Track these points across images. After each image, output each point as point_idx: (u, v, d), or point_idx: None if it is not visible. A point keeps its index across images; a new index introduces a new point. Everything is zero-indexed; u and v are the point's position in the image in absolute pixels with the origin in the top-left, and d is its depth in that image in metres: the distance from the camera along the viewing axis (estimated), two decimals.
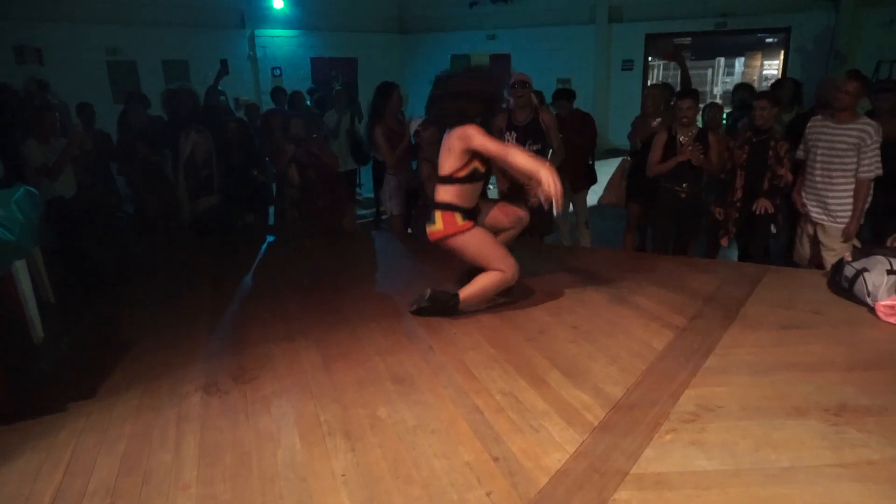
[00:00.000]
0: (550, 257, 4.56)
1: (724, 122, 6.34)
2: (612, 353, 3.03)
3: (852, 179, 4.10)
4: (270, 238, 5.76)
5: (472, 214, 3.48)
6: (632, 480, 2.11)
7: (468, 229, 3.40)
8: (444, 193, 3.39)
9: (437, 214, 3.42)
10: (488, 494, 2.07)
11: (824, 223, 4.28)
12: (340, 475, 2.20)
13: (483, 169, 3.38)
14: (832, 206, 4.21)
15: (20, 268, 3.38)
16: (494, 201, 3.76)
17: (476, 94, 3.32)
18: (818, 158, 4.23)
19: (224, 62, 6.83)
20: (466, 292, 3.49)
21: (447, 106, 3.33)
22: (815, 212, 4.32)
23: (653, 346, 3.10)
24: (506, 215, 3.68)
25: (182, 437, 2.48)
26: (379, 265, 4.89)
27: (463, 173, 3.33)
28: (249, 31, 11.26)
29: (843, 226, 4.20)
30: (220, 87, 6.97)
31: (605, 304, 3.66)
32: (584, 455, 2.26)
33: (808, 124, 4.38)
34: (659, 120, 5.28)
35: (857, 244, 4.31)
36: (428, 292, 3.54)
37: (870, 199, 4.19)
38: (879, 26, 10.18)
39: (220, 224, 5.31)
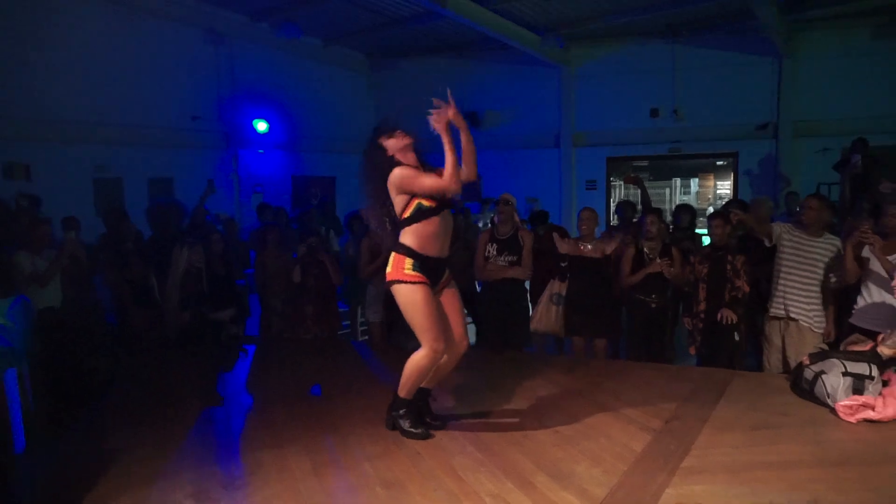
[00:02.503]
0: (530, 366, 4.72)
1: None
2: (595, 456, 3.14)
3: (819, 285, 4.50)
4: (254, 348, 5.81)
5: (430, 268, 3.30)
6: None
7: (413, 282, 3.24)
8: (402, 236, 3.35)
9: (392, 256, 3.35)
10: None
11: (801, 321, 4.54)
12: None
13: (429, 203, 3.28)
14: (808, 309, 4.53)
15: (10, 376, 3.41)
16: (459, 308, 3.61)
17: (373, 149, 3.50)
18: (793, 266, 4.57)
19: (210, 182, 7.20)
20: (401, 389, 3.42)
21: (371, 172, 3.47)
22: (796, 309, 4.58)
23: (632, 448, 3.22)
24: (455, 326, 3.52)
25: None
26: (362, 373, 4.97)
27: (408, 213, 3.31)
28: (233, 152, 11.77)
29: (819, 332, 4.55)
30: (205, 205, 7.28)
31: (585, 408, 3.80)
32: None
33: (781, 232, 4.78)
34: (590, 246, 5.35)
35: (825, 346, 4.59)
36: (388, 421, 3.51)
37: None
38: (815, 154, 11.21)
39: (205, 336, 5.38)
